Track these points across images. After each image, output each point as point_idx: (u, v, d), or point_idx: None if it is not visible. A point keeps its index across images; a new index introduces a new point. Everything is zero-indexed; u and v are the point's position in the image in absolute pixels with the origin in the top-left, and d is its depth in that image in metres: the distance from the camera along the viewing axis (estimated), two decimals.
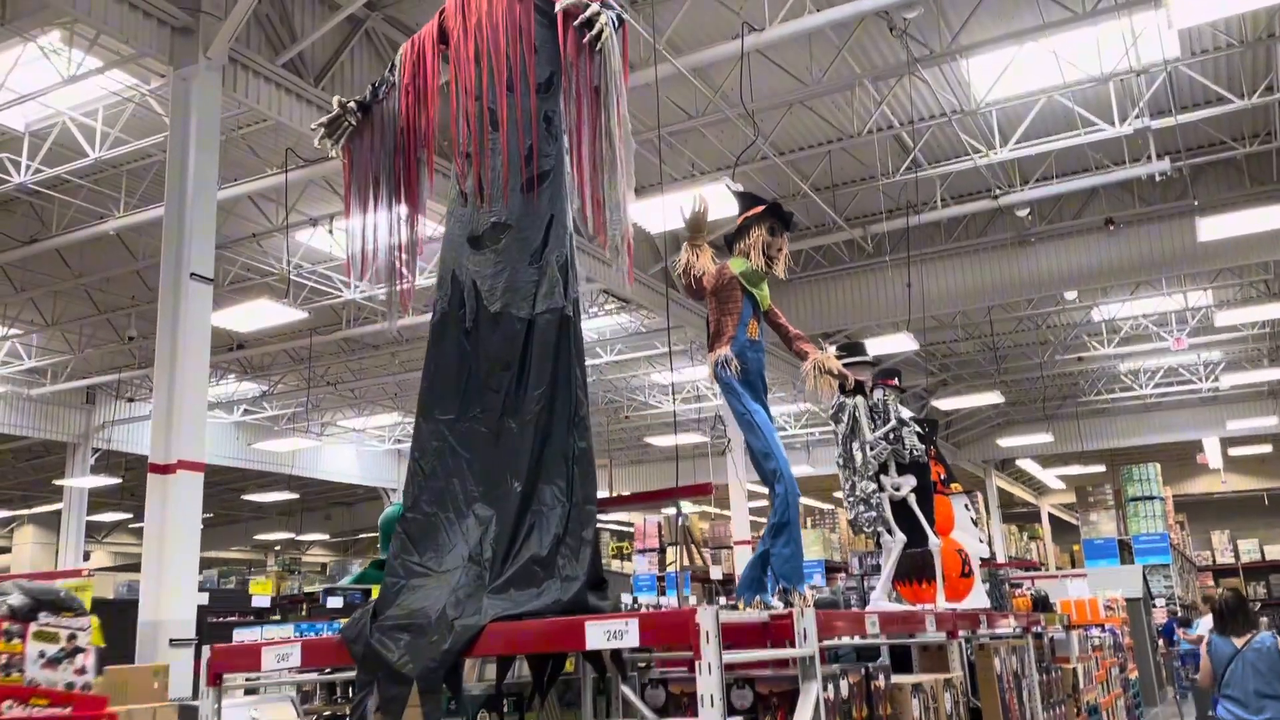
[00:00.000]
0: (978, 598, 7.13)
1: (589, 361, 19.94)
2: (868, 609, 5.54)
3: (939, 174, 12.91)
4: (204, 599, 7.30)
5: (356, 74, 9.51)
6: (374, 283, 4.24)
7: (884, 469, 6.11)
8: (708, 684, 2.84)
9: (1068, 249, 14.54)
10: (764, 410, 4.67)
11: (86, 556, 41.89)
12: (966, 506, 7.40)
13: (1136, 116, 11.20)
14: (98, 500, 27.65)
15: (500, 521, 3.65)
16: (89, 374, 20.12)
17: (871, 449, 6.04)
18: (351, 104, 4.26)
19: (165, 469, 6.85)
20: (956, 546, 6.76)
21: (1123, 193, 14.18)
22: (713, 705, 2.81)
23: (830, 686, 3.94)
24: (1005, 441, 26.57)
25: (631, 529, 25.83)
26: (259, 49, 8.52)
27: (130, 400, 21.94)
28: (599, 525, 3.88)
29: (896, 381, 6.29)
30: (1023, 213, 13.56)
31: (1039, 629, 7.99)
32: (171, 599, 6.69)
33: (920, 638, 6.22)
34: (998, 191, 13.04)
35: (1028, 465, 32.03)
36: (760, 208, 4.89)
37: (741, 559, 15.68)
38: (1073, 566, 29.68)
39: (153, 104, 10.89)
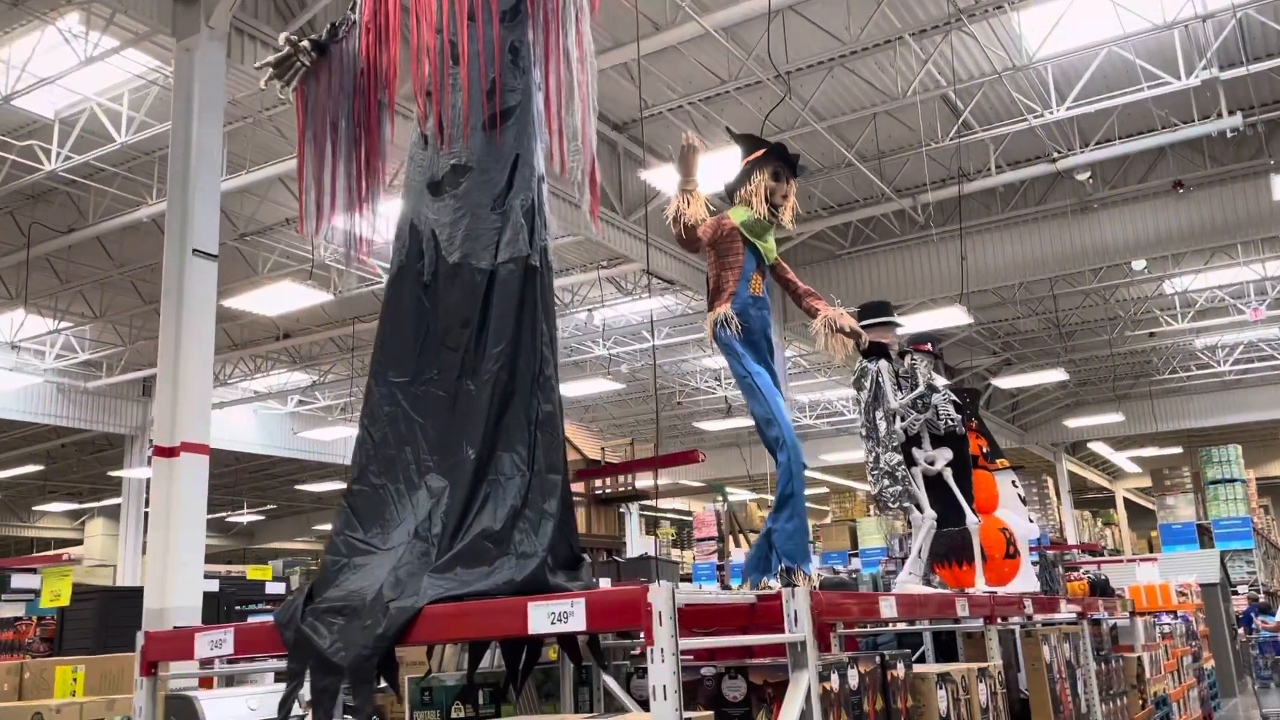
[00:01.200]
0: (1025, 581, 6.59)
1: (635, 346, 19.76)
2: (891, 592, 5.07)
3: (992, 137, 12.24)
4: (213, 585, 7.09)
5: None
6: (329, 239, 3.88)
7: (916, 441, 5.63)
8: (661, 674, 2.45)
9: (1133, 215, 13.74)
10: (768, 373, 4.24)
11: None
12: (1014, 483, 6.86)
13: (1204, 68, 10.44)
14: None
15: (453, 493, 3.28)
16: (142, 366, 20.27)
17: (901, 419, 5.55)
18: (305, 42, 3.92)
19: (169, 452, 6.62)
20: (1000, 525, 6.24)
21: (1192, 152, 13.33)
22: (665, 698, 2.42)
23: (835, 676, 3.48)
24: (1074, 423, 25.59)
25: (691, 517, 25.49)
26: (267, 19, 8.26)
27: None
28: (568, 497, 3.48)
29: (930, 347, 5.80)
30: (1083, 176, 12.81)
31: (1097, 615, 7.41)
32: (177, 586, 6.46)
33: (951, 624, 5.73)
34: (1056, 154, 12.32)
35: (1100, 448, 30.91)
36: (762, 151, 4.45)
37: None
38: (1150, 553, 28.63)
39: None
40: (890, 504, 4.95)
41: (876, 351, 5.15)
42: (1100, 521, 34.09)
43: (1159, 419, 25.93)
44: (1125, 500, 36.70)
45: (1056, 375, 20.34)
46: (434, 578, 2.98)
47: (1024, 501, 6.83)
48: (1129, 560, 12.94)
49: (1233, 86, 11.25)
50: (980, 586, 5.53)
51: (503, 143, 3.67)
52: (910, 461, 5.59)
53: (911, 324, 15.04)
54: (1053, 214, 14.25)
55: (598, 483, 14.48)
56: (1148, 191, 13.70)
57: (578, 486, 14.44)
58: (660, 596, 2.50)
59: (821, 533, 26.76)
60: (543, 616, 2.66)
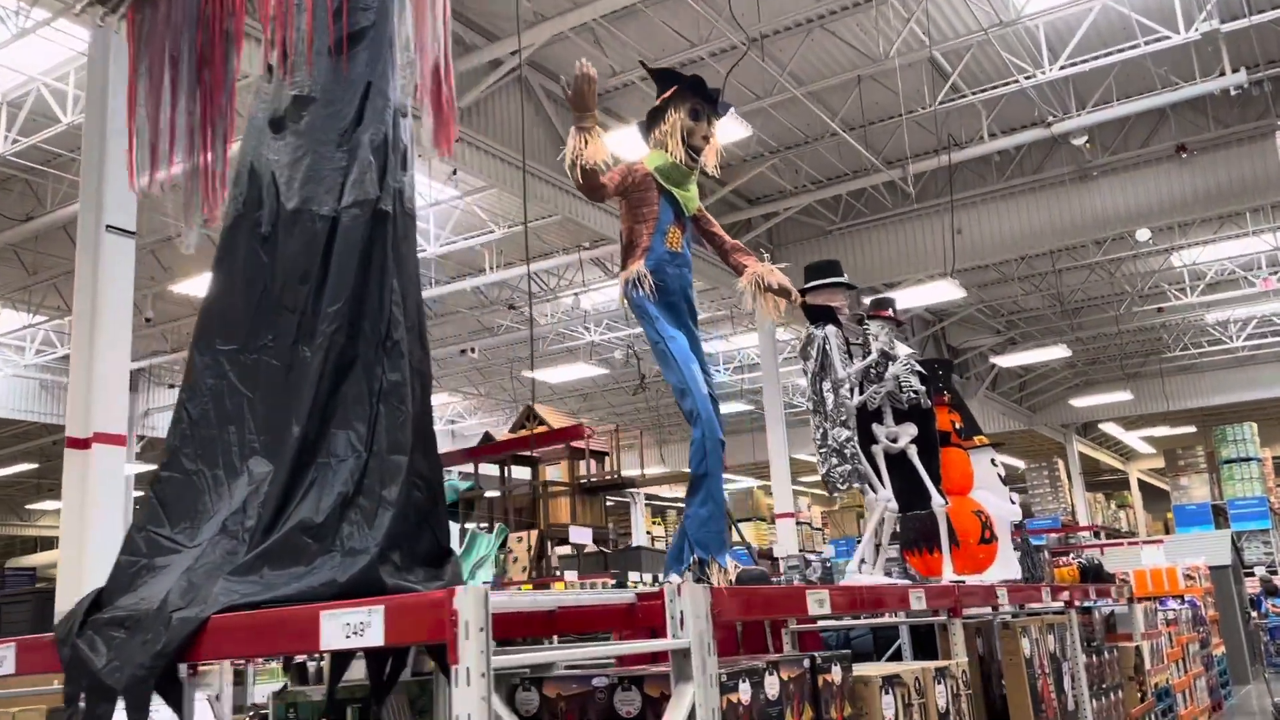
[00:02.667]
0: (1005, 568, 6.06)
1: (627, 330, 19.19)
2: (841, 583, 4.55)
3: (983, 101, 11.65)
4: None
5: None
6: (167, 189, 3.37)
7: (877, 416, 5.10)
8: (467, 700, 1.96)
9: (1135, 182, 13.12)
10: (686, 337, 3.71)
11: None
12: (993, 462, 6.32)
13: (1204, 20, 9.83)
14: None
15: (274, 479, 2.76)
16: None
17: (859, 391, 5.02)
18: None
19: (81, 443, 6.15)
20: (974, 508, 5.71)
21: (1195, 114, 12.69)
22: None
23: (746, 686, 2.96)
24: (1080, 402, 24.95)
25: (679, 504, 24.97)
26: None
27: (171, 386, 21.73)
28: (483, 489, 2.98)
29: (891, 313, 5.27)
30: (1079, 141, 12.19)
31: (1088, 603, 6.87)
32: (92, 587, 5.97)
33: (907, 616, 5.21)
34: (1050, 118, 11.72)
35: (1111, 429, 30.25)
36: (678, 86, 3.92)
37: (785, 534, 14.67)
38: (1167, 535, 28.03)
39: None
40: (839, 485, 4.42)
41: (824, 317, 4.62)
42: (1114, 504, 33.43)
43: (1170, 397, 25.27)
44: (1140, 482, 36.01)
45: (1058, 352, 19.71)
46: (231, 581, 2.48)
47: (1004, 481, 6.30)
48: (1130, 543, 12.36)
49: (1235, 41, 10.62)
50: (948, 574, 5.01)
51: (351, 70, 3.17)
52: (870, 439, 5.07)
53: (902, 299, 14.45)
54: (1050, 183, 13.64)
55: (582, 470, 13.95)
56: (1149, 157, 13.07)
57: (559, 473, 13.92)
58: (469, 603, 2.00)
59: (830, 519, 26.23)
60: (337, 629, 2.18)
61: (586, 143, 3.55)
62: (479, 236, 13.98)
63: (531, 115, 10.82)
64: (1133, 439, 31.83)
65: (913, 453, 5.07)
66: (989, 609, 5.78)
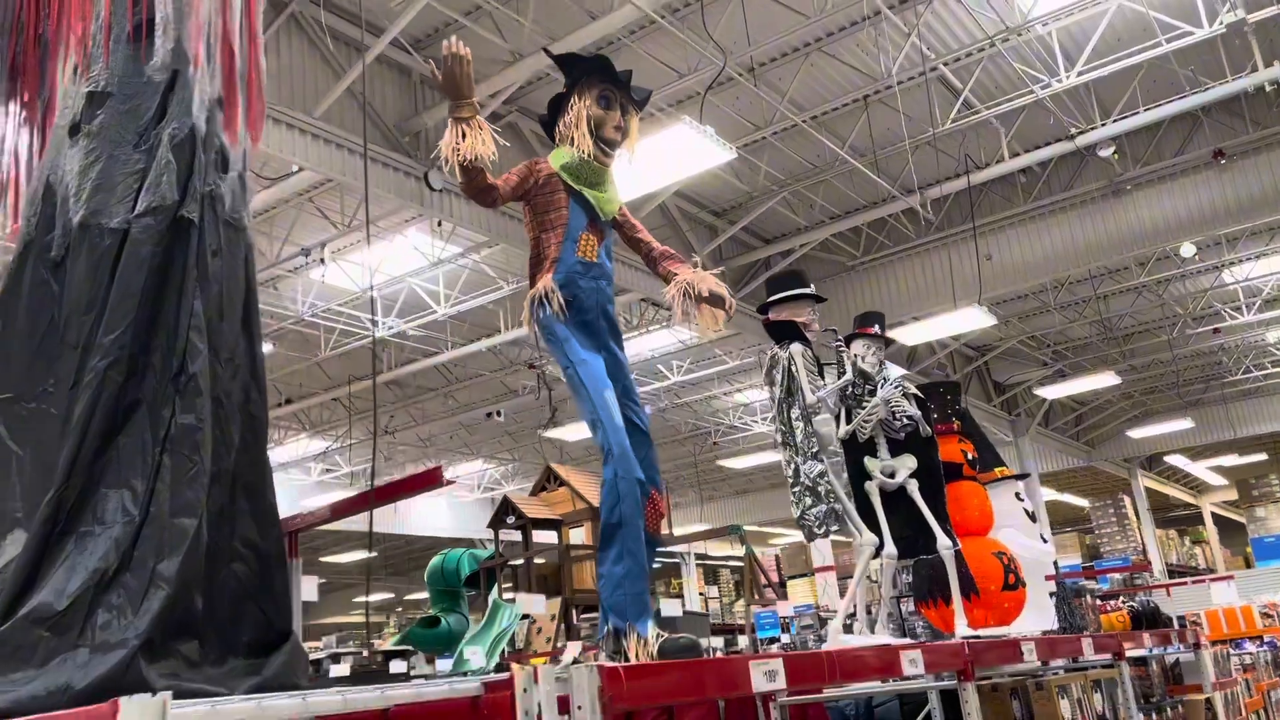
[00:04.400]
0: (1037, 617, 5.31)
1: (655, 384, 18.54)
2: (824, 647, 3.85)
3: (999, 115, 11.01)
4: None
5: (278, 66, 8.37)
6: None
7: (870, 448, 4.44)
8: None
9: (1171, 193, 12.33)
10: (606, 360, 3.12)
11: None
12: (1019, 496, 5.60)
13: (1228, 11, 9.15)
14: None
15: (23, 556, 2.20)
16: None
17: (845, 419, 4.38)
18: None
19: None
20: (995, 549, 4.98)
21: (1229, 116, 11.93)
22: None
23: None
24: (1139, 434, 23.78)
25: (732, 562, 24.07)
26: None
27: None
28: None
29: (876, 329, 4.63)
30: (1106, 153, 11.47)
31: (1145, 651, 6.05)
32: None
33: (897, 684, 4.48)
34: (1074, 131, 11.04)
35: (1178, 461, 28.84)
36: (583, 72, 3.37)
37: (823, 589, 13.81)
38: (1247, 569, 26.51)
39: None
40: (816, 529, 3.75)
41: (789, 334, 3.99)
42: (1188, 540, 31.79)
43: (1236, 424, 24.00)
44: (1214, 515, 34.31)
45: (1106, 380, 18.71)
46: None
47: (1033, 518, 5.56)
48: (1197, 580, 11.37)
49: (1266, 32, 9.91)
50: (960, 629, 4.29)
51: (153, 57, 2.66)
52: (863, 474, 4.40)
53: (930, 331, 13.73)
54: (1081, 200, 12.90)
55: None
56: (1185, 165, 12.29)
57: (580, 534, 13.24)
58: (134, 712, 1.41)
59: None
60: None
61: (464, 135, 3.00)
62: (489, 293, 13.55)
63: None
64: (1201, 470, 30.35)
65: (913, 488, 4.39)
66: (1023, 666, 5.03)
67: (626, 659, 2.69)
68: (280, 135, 8.32)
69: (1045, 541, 5.53)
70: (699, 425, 22.61)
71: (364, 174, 8.15)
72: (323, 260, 11.70)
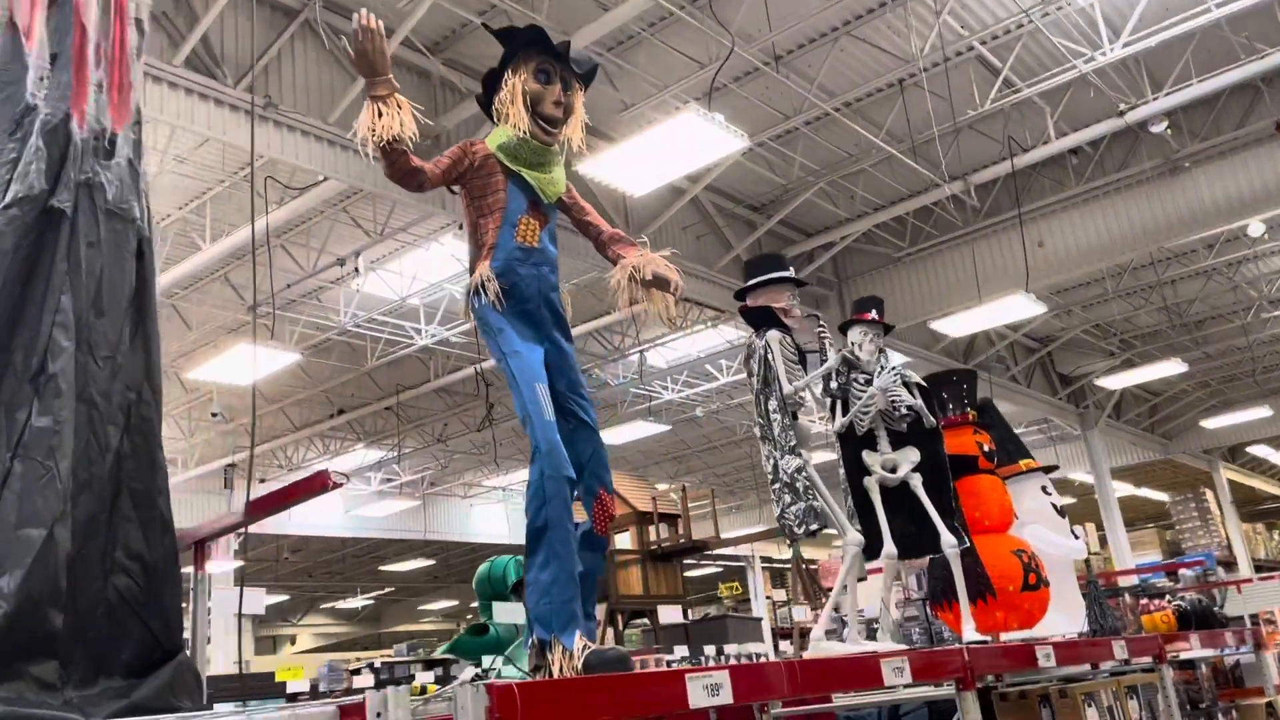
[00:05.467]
0: (1064, 618, 4.97)
1: (705, 385, 18.26)
2: (805, 655, 3.58)
3: (1042, 94, 10.55)
4: None
5: (292, 70, 8.32)
6: None
7: (870, 441, 4.17)
8: None
9: (1232, 168, 11.70)
10: (543, 351, 2.91)
11: (293, 640, 43.02)
12: (1045, 489, 5.25)
13: None
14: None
15: None
16: (213, 457, 19.97)
17: (842, 409, 4.11)
18: None
19: None
20: (1014, 547, 4.66)
21: None
22: None
23: None
24: (1213, 424, 22.83)
25: (789, 566, 23.65)
26: (159, 52, 7.45)
27: (262, 480, 21.78)
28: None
29: (874, 315, 4.34)
30: (1159, 128, 10.91)
31: (1190, 654, 5.63)
32: None
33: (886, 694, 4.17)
34: (1123, 107, 10.53)
35: (1262, 451, 27.65)
36: (519, 45, 3.17)
37: (874, 593, 13.40)
38: None
39: None
40: (796, 528, 3.49)
41: (766, 321, 3.74)
42: (1276, 534, 30.46)
43: None
44: None
45: (1172, 368, 17.94)
46: None
47: (1062, 513, 5.20)
48: (1265, 577, 10.75)
49: None
50: (968, 633, 3.99)
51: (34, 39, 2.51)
52: (862, 469, 4.13)
53: (973, 320, 13.25)
54: (1137, 181, 12.31)
55: (652, 537, 13.04)
56: (1246, 139, 11.65)
57: (625, 539, 13.05)
58: None
59: None
60: None
61: (380, 114, 2.81)
62: None
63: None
64: None
65: (916, 483, 4.11)
66: (1053, 672, 4.71)
67: (550, 674, 2.47)
68: (297, 143, 8.28)
69: (1077, 537, 5.16)
70: (748, 425, 22.26)
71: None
72: (357, 270, 11.67)
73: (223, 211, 11.14)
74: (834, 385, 3.79)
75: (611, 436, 19.13)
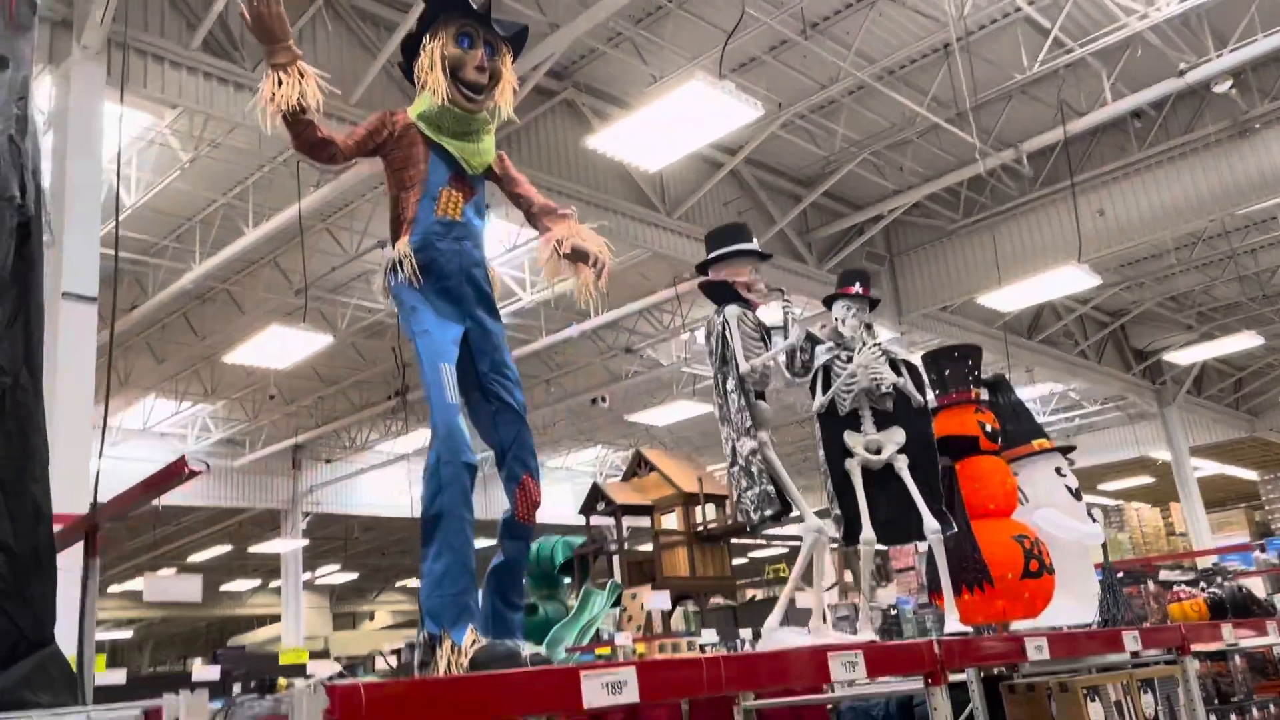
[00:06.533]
0: (1076, 607, 4.69)
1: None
2: (758, 647, 3.40)
3: (1096, 53, 10.05)
4: (118, 678, 6.12)
5: (314, 55, 8.29)
6: None
7: (853, 421, 3.95)
8: None
9: None
10: (450, 331, 2.77)
11: (371, 617, 43.94)
12: (1059, 471, 4.95)
13: None
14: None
15: None
16: (279, 438, 20.37)
17: (822, 387, 3.91)
18: None
19: None
20: (1015, 532, 4.40)
21: None
22: None
23: None
24: None
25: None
26: (178, 36, 7.48)
27: (328, 461, 22.16)
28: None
29: (859, 289, 4.11)
30: (1221, 88, 10.32)
31: (1223, 645, 5.28)
32: None
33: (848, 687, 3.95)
34: (1183, 66, 9.97)
35: None
36: (438, 10, 3.01)
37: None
38: None
39: (172, 141, 10.30)
40: (752, 514, 3.31)
41: (725, 296, 3.55)
42: None
43: None
44: None
45: (1246, 341, 17.09)
46: None
47: (1077, 495, 4.91)
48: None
49: None
50: (951, 624, 3.77)
51: None
52: (843, 450, 3.92)
53: (1023, 293, 12.74)
54: (1203, 144, 11.68)
55: (698, 518, 12.88)
56: None
57: (671, 520, 12.91)
58: None
59: None
60: None
61: (280, 83, 2.69)
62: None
63: (580, 140, 10.02)
64: None
65: (901, 465, 3.88)
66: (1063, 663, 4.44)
67: (437, 669, 2.35)
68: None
69: (1094, 521, 4.86)
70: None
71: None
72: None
73: (264, 196, 11.24)
74: (798, 363, 3.58)
75: (663, 416, 19.01)
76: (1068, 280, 12.10)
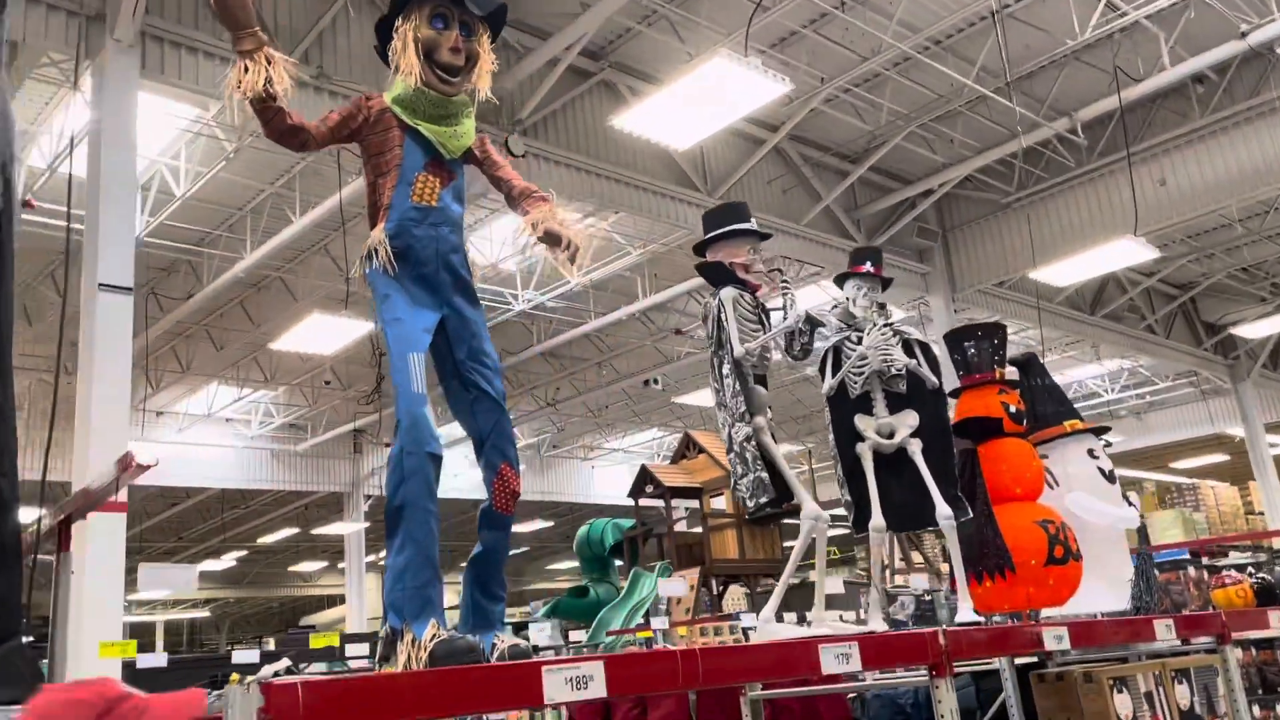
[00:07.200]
0: (1107, 593, 4.52)
1: (818, 345, 17.45)
2: (755, 639, 3.31)
3: (1152, 15, 9.66)
4: (160, 660, 6.25)
5: (346, 41, 8.31)
6: None
7: (865, 404, 3.84)
8: None
9: None
10: (421, 319, 2.73)
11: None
12: (1092, 452, 4.77)
13: None
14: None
15: None
16: (339, 423, 20.68)
17: (832, 368, 3.80)
18: None
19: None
20: (1038, 516, 4.25)
21: None
22: None
23: None
24: None
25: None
26: (212, 27, 7.53)
27: (386, 445, 22.45)
28: None
29: (869, 268, 3.99)
30: None
31: (1269, 633, 5.05)
32: (89, 664, 5.66)
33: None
34: (1244, 27, 9.54)
35: None
36: None
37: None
38: None
39: (217, 132, 10.44)
40: (748, 501, 3.22)
41: (722, 278, 3.45)
42: None
43: None
44: None
45: None
46: None
47: (1110, 478, 4.72)
48: None
49: None
50: (963, 613, 3.65)
51: None
52: (854, 434, 3.81)
53: (1077, 268, 12.35)
54: (1270, 109, 11.18)
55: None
56: None
57: (720, 502, 12.81)
58: None
59: None
60: None
61: (247, 70, 2.65)
62: (619, 259, 13.27)
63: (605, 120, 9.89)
64: None
65: (914, 449, 3.76)
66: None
67: (397, 664, 2.31)
68: None
69: (1131, 504, 4.67)
70: None
71: None
72: None
73: (310, 185, 11.35)
74: (797, 346, 3.46)
75: (702, 399, 18.88)
76: (1125, 253, 11.70)
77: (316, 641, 8.21)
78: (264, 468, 21.85)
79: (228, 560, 32.00)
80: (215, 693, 1.84)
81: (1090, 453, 4.75)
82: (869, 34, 9.47)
